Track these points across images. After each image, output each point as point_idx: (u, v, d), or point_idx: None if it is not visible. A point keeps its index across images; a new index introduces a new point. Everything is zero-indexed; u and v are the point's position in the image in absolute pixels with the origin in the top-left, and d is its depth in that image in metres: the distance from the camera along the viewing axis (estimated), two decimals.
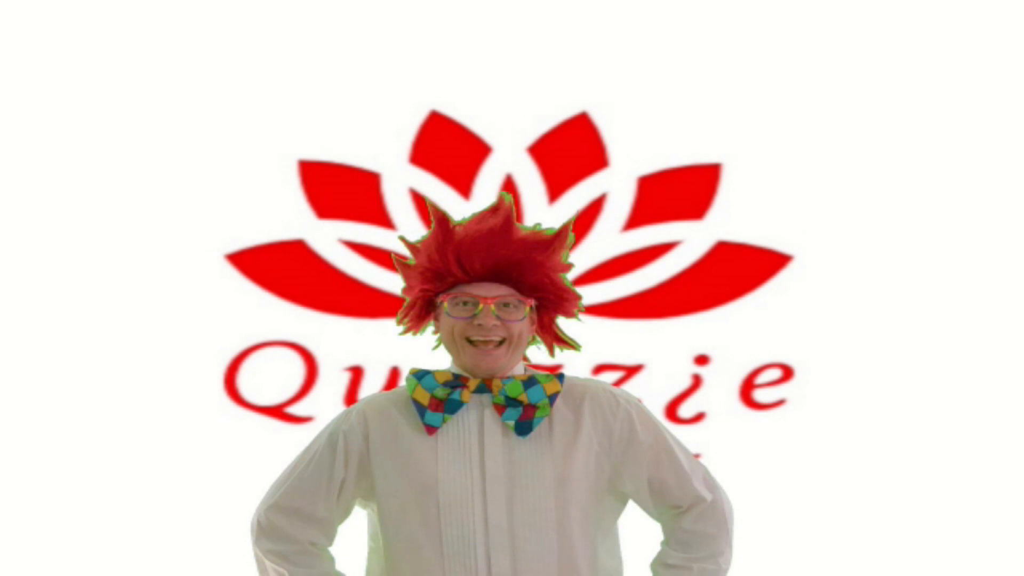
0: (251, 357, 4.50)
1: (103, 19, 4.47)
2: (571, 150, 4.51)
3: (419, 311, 3.11)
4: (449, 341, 3.07)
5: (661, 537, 3.19)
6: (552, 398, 3.06)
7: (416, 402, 3.05)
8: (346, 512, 3.12)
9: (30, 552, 4.40)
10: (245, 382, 4.49)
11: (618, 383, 4.41)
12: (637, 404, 3.14)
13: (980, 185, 4.50)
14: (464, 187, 4.47)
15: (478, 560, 2.99)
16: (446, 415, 3.05)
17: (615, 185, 4.56)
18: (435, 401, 3.05)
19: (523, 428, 3.04)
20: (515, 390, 3.06)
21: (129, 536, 4.40)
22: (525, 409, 3.05)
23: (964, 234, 4.50)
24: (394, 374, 4.58)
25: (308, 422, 4.46)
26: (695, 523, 3.11)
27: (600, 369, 4.52)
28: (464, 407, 3.06)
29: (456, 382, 3.06)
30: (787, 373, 4.50)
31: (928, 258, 4.50)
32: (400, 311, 3.11)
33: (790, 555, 4.42)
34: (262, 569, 3.12)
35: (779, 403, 4.53)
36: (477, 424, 3.06)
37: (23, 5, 4.45)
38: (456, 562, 2.99)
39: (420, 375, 3.08)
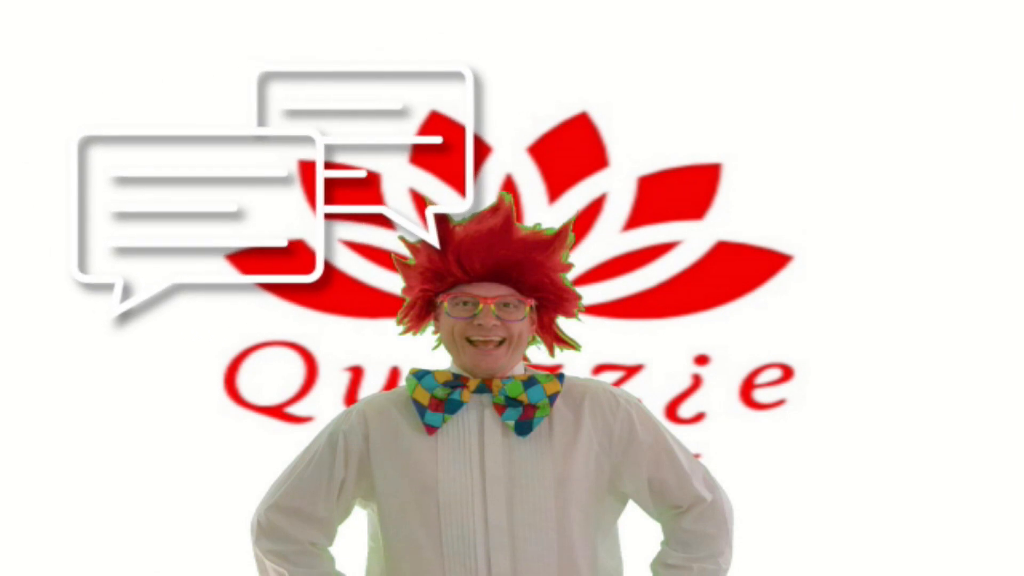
0: (251, 357, 4.49)
1: (95, 29, 4.48)
2: (571, 150, 4.50)
3: (419, 311, 3.12)
4: (449, 341, 3.08)
5: (661, 537, 3.19)
6: (552, 398, 3.07)
7: (416, 402, 3.06)
8: (346, 512, 3.13)
9: (29, 551, 4.40)
10: (245, 382, 4.49)
11: (618, 383, 4.40)
12: (637, 404, 3.15)
13: (980, 185, 4.50)
14: (463, 187, 4.45)
15: (478, 560, 3.00)
16: (446, 415, 3.05)
17: (615, 185, 4.54)
18: (435, 401, 3.06)
19: (523, 428, 3.05)
20: (515, 390, 3.06)
21: (129, 535, 4.40)
22: (525, 409, 3.06)
23: (964, 234, 4.50)
24: (394, 374, 4.54)
25: (308, 422, 4.44)
26: (695, 523, 3.12)
27: (600, 369, 4.51)
28: (464, 407, 3.07)
29: (456, 382, 3.07)
30: (787, 373, 4.49)
31: (928, 258, 4.50)
32: (400, 311, 3.13)
33: (790, 555, 4.43)
34: (262, 569, 3.12)
35: (779, 403, 4.54)
36: (477, 424, 3.06)
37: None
38: (456, 562, 3.00)
39: (420, 375, 3.09)
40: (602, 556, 3.09)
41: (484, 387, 3.05)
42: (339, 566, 3.12)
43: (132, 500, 4.41)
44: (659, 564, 3.17)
